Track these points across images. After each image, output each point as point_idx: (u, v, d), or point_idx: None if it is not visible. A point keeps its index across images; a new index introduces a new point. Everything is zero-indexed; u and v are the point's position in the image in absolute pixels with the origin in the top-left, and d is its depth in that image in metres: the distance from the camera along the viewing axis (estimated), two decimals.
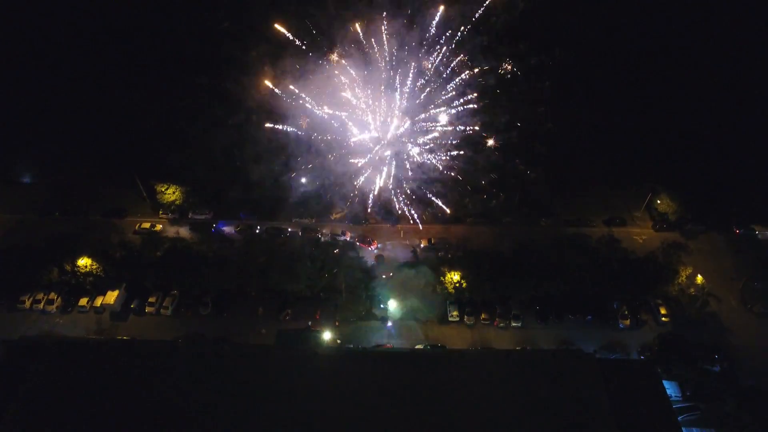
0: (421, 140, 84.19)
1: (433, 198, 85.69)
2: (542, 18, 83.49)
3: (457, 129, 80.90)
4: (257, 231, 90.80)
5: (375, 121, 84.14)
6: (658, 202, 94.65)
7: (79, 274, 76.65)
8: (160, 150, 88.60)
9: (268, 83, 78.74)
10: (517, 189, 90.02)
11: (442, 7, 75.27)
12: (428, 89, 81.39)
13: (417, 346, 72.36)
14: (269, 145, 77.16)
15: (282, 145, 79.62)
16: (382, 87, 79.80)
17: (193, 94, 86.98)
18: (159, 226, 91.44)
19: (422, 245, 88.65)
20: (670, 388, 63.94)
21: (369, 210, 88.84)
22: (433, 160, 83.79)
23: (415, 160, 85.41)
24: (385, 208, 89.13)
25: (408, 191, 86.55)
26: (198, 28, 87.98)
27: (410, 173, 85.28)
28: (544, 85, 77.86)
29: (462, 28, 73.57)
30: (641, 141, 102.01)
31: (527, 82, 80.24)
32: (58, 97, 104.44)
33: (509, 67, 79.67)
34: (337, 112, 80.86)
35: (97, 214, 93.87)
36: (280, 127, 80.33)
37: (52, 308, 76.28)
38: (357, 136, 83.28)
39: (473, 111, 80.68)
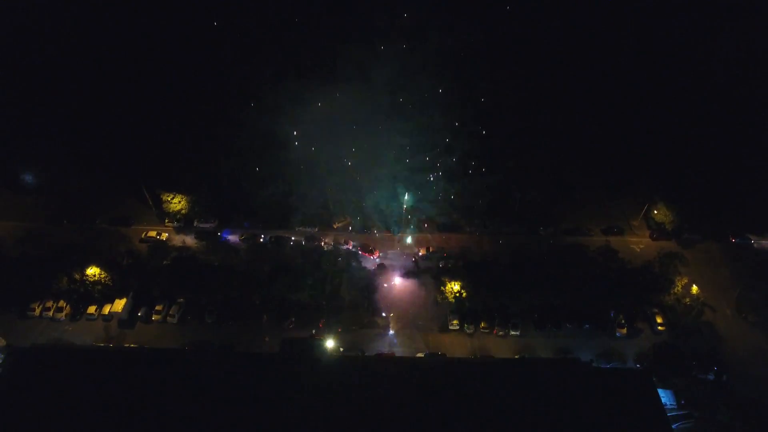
0: (418, 164, 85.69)
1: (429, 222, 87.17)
2: (539, 40, 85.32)
3: (453, 160, 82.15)
4: (261, 240, 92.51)
5: (375, 146, 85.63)
6: (655, 212, 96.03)
7: (87, 282, 78.25)
8: (167, 164, 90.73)
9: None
10: (513, 209, 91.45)
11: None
12: (428, 115, 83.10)
13: (418, 354, 73.88)
14: (271, 169, 78.96)
15: (284, 170, 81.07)
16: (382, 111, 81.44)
17: (198, 121, 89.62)
18: (165, 235, 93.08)
19: (420, 253, 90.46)
20: (665, 397, 65.18)
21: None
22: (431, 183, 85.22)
23: (414, 183, 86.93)
24: (385, 222, 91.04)
25: (407, 209, 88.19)
26: (204, 57, 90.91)
27: (408, 196, 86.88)
28: (538, 113, 79.54)
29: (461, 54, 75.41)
30: (639, 152, 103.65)
31: (523, 108, 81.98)
32: (66, 106, 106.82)
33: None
34: (332, 141, 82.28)
35: (104, 222, 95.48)
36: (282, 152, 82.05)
37: (62, 316, 78.01)
38: (355, 161, 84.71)
39: (469, 135, 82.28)
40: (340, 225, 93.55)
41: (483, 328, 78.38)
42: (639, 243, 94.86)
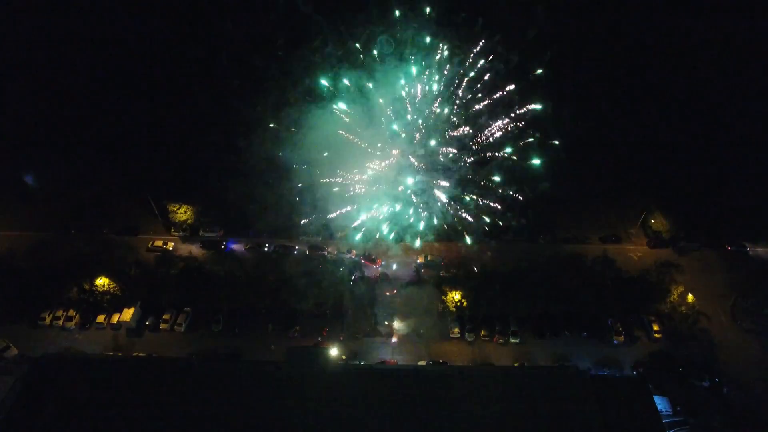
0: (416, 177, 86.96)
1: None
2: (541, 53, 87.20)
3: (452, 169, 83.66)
4: (266, 249, 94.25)
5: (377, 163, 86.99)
6: (652, 220, 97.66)
7: (96, 292, 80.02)
8: (175, 182, 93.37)
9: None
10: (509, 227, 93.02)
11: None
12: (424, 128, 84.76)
13: (420, 362, 75.54)
14: (275, 198, 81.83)
15: (288, 200, 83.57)
16: (384, 127, 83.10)
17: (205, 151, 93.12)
18: (171, 244, 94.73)
19: (419, 261, 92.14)
20: (661, 404, 66.49)
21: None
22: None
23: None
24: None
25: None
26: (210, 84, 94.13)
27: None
28: (535, 131, 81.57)
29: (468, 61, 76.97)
30: (637, 159, 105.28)
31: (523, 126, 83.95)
32: (74, 115, 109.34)
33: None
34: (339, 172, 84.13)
35: (111, 231, 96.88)
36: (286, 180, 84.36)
37: (71, 325, 79.66)
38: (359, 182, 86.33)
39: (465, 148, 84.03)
40: (343, 235, 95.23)
41: (483, 336, 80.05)
42: (636, 251, 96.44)
